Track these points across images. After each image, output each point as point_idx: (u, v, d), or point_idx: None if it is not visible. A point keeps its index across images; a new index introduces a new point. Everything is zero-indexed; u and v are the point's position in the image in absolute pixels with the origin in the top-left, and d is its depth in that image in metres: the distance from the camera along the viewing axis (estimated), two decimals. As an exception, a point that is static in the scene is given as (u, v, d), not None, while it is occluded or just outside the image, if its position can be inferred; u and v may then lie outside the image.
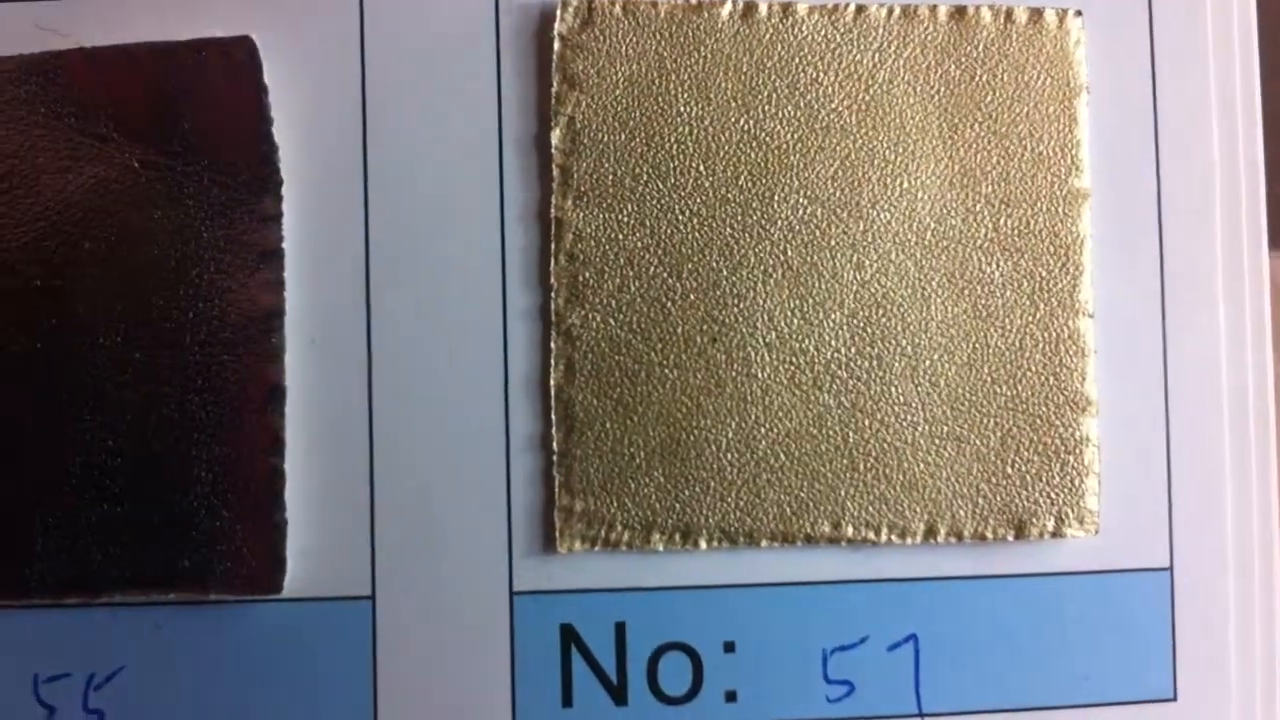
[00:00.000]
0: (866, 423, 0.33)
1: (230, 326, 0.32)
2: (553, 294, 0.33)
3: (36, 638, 0.33)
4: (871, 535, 0.33)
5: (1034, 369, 0.34)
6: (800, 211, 0.33)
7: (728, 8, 0.33)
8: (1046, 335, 0.34)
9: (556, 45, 0.33)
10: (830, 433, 0.33)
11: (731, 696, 0.33)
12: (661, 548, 0.33)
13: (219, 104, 0.32)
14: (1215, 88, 0.35)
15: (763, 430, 0.33)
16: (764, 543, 0.33)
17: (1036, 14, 0.34)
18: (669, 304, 0.33)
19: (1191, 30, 0.35)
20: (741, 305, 0.33)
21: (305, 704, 0.33)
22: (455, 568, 0.33)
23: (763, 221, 0.33)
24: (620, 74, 0.33)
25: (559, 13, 0.33)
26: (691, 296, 0.33)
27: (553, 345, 0.33)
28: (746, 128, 0.33)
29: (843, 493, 0.33)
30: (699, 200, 0.33)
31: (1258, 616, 0.34)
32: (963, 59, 0.34)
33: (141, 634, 0.33)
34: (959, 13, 0.34)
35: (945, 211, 0.34)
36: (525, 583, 0.33)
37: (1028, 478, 0.33)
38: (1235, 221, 0.35)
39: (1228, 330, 0.34)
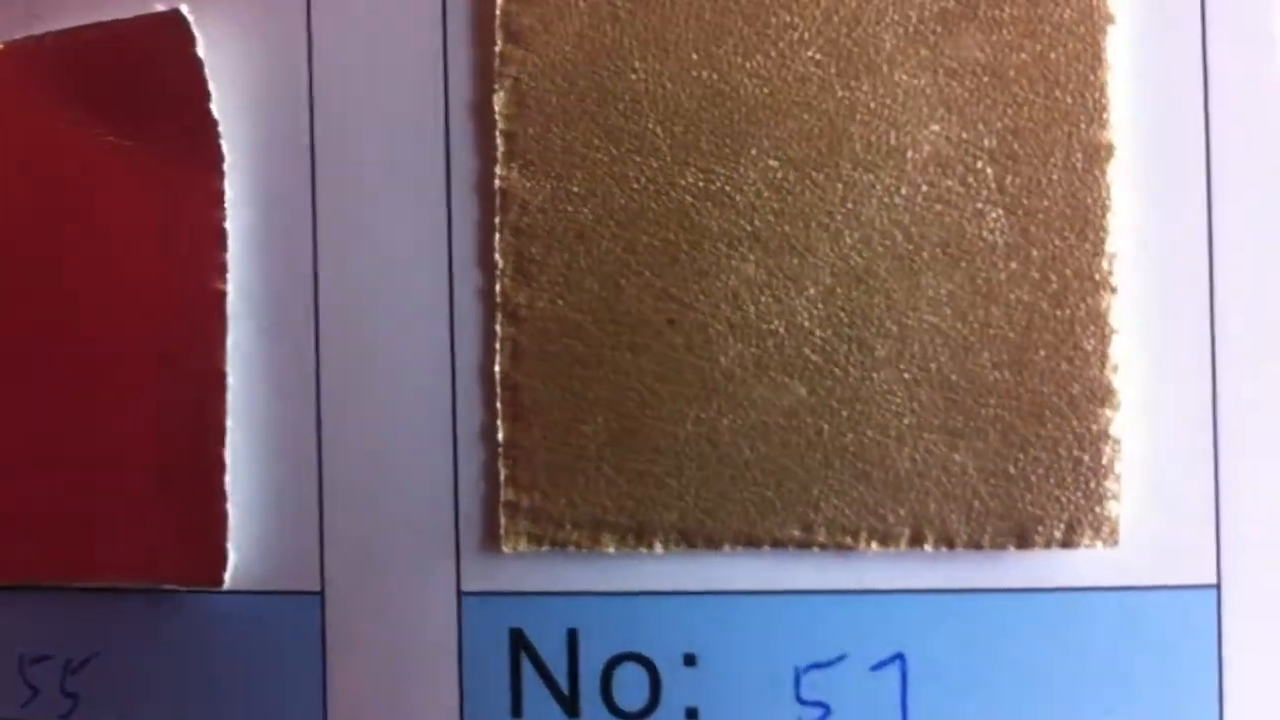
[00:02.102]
0: (844, 414, 0.29)
1: (172, 309, 0.31)
2: (498, 272, 0.30)
3: (20, 619, 0.33)
4: (848, 540, 0.29)
5: (1043, 353, 0.29)
6: (770, 175, 0.30)
7: (690, -52, 0.30)
8: (1059, 314, 0.29)
9: (500, -1, 0.31)
10: (802, 425, 0.29)
11: (692, 714, 0.30)
12: (613, 549, 0.30)
13: (155, 80, 0.31)
14: None
15: (726, 421, 0.30)
16: (726, 546, 0.30)
17: (1052, -66, 0.29)
18: (623, 281, 0.30)
19: (1247, -55, 0.29)
20: (703, 282, 0.30)
21: (260, 697, 0.32)
22: (404, 564, 0.31)
23: (727, 188, 0.30)
24: (569, 28, 0.30)
25: (503, -38, 0.31)
26: (647, 273, 0.30)
27: (498, 328, 0.30)
28: (710, 82, 0.30)
29: (815, 492, 0.29)
30: (656, 166, 0.30)
31: (1330, 646, 0.29)
32: (963, -7, 0.29)
33: (112, 620, 0.33)
34: (959, -61, 0.29)
35: (940, 171, 0.29)
36: (474, 583, 0.31)
37: (1033, 479, 0.29)
38: (1306, 174, 0.29)
39: (1292, 305, 0.29)
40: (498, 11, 0.30)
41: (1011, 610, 0.29)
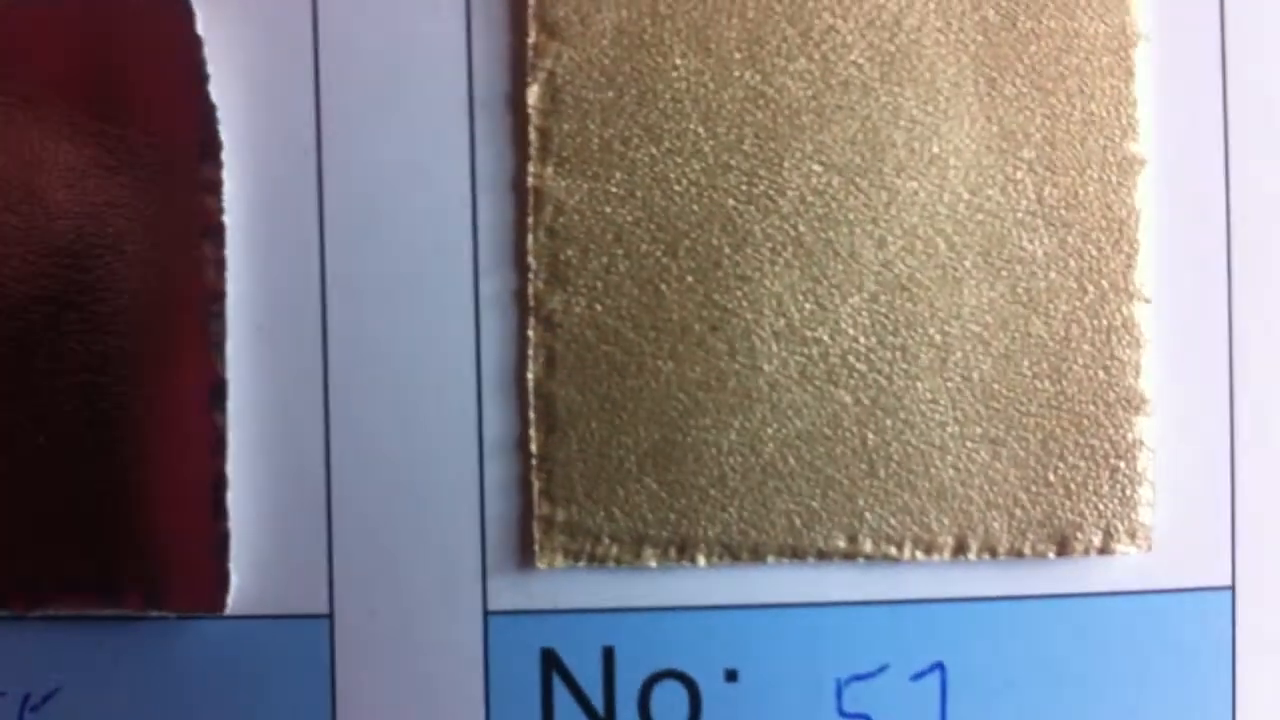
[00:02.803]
0: (888, 422, 0.29)
1: (166, 311, 0.29)
2: (531, 275, 0.29)
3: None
4: (893, 550, 0.29)
5: (1081, 362, 0.29)
6: (814, 180, 0.29)
7: (732, -55, 0.29)
8: (1096, 323, 0.29)
9: (535, -12, 0.29)
10: (846, 434, 0.29)
11: (733, 731, 0.30)
12: (654, 563, 0.29)
13: (149, 59, 0.28)
14: (1296, 37, 0.30)
15: (770, 431, 0.29)
16: (770, 558, 0.29)
17: (1090, -50, 0.30)
18: (663, 287, 0.29)
19: (1269, -30, 0.30)
20: (746, 288, 0.29)
21: (257, 733, 0.29)
22: (422, 584, 0.29)
23: (771, 192, 0.29)
24: (607, 21, 0.29)
25: (537, -49, 0.29)
26: (689, 278, 0.29)
27: (531, 334, 0.29)
28: (753, 83, 0.29)
29: (860, 502, 0.29)
30: (698, 168, 0.29)
31: (1332, 640, 0.30)
32: (1003, 2, 0.29)
33: (81, 652, 0.29)
34: (1000, -51, 0.29)
35: (981, 180, 0.29)
36: (502, 601, 0.29)
37: (1072, 486, 0.29)
38: (1315, 191, 0.30)
39: (1304, 316, 0.30)
40: (531, 1, 0.29)
41: (1046, 616, 0.30)
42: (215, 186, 0.29)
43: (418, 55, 0.29)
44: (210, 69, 0.29)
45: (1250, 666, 0.30)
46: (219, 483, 0.29)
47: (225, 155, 0.29)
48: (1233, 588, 0.30)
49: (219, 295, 0.29)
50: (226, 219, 0.29)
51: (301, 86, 0.29)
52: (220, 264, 0.29)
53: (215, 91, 0.29)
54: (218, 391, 0.29)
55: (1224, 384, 0.30)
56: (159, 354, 0.28)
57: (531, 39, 0.29)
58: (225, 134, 0.29)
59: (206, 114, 0.29)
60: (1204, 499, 0.30)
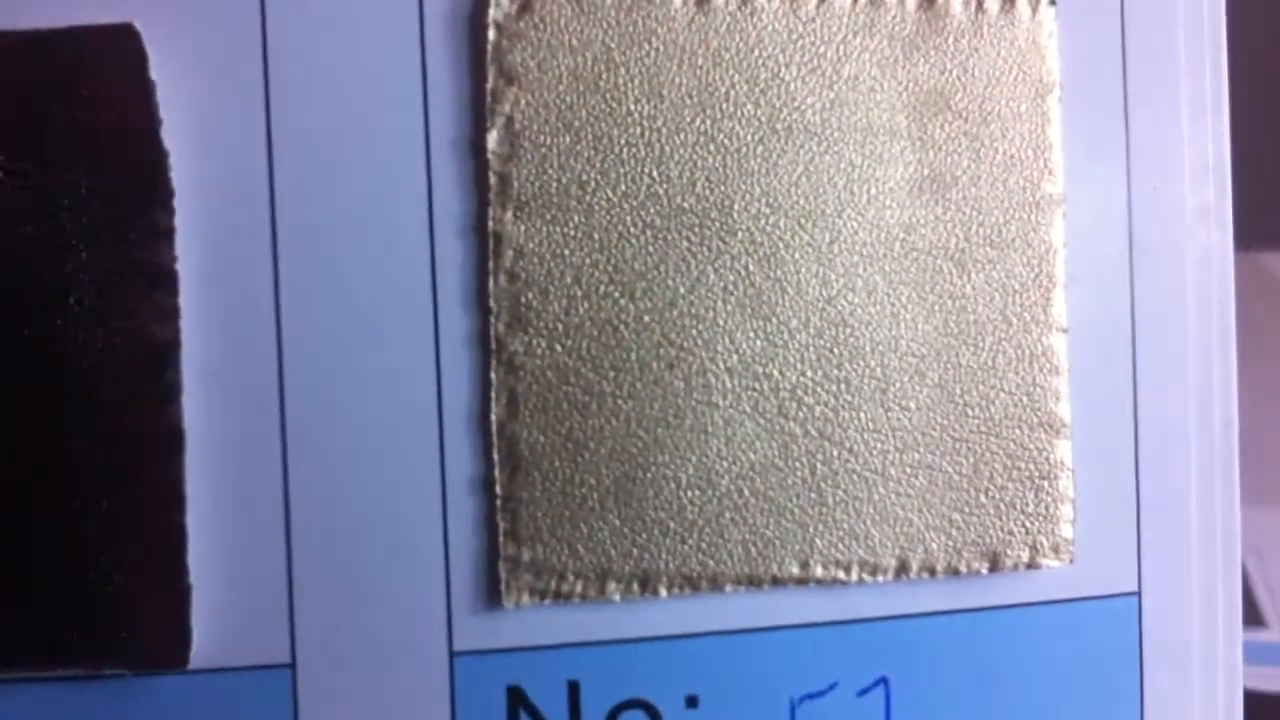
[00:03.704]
0: (835, 452, 0.31)
1: (117, 361, 0.28)
2: (492, 318, 0.29)
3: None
4: (841, 574, 0.30)
5: (1007, 389, 0.31)
6: (762, 221, 0.30)
7: (680, -7, 0.30)
8: (1019, 353, 0.31)
9: (491, 34, 0.29)
10: (797, 464, 0.30)
11: (694, 754, 0.31)
12: (618, 597, 0.30)
13: (98, 102, 0.27)
14: (1186, 90, 0.33)
15: (725, 464, 0.30)
16: (728, 587, 0.30)
17: (1009, 3, 0.31)
18: (622, 327, 0.30)
19: (1162, 28, 0.33)
20: (701, 326, 0.30)
21: (216, 786, 0.29)
22: (387, 628, 0.29)
23: (722, 233, 0.30)
24: (563, 67, 0.29)
25: (493, -3, 0.29)
26: (646, 318, 0.30)
27: (493, 376, 0.29)
28: (703, 128, 0.30)
29: (811, 529, 0.30)
30: (653, 210, 0.30)
31: (1221, 639, 0.33)
32: (932, 52, 0.31)
33: (31, 715, 0.29)
34: (928, 1, 0.31)
35: (914, 219, 0.31)
36: (467, 642, 0.30)
37: (1001, 506, 0.31)
38: (1206, 227, 0.33)
39: (1196, 346, 0.33)
40: (489, 46, 0.29)
41: (980, 628, 0.31)
42: (168, 233, 0.28)
43: (374, 100, 0.29)
44: (162, 114, 0.28)
45: (1154, 662, 0.33)
46: (178, 536, 0.28)
47: (178, 201, 0.28)
48: (1139, 593, 0.33)
49: (173, 344, 0.28)
50: (179, 266, 0.28)
51: (254, 131, 0.29)
52: (173, 312, 0.28)
53: (167, 136, 0.28)
54: (174, 442, 0.28)
55: (1129, 407, 0.33)
56: (112, 405, 0.28)
57: (489, 84, 0.29)
58: (177, 180, 0.28)
59: (158, 159, 0.28)
60: (1113, 512, 0.32)
